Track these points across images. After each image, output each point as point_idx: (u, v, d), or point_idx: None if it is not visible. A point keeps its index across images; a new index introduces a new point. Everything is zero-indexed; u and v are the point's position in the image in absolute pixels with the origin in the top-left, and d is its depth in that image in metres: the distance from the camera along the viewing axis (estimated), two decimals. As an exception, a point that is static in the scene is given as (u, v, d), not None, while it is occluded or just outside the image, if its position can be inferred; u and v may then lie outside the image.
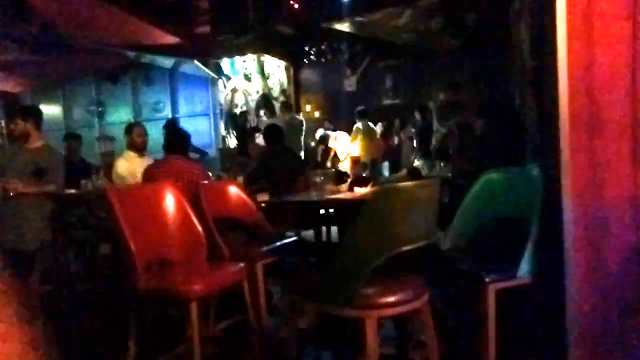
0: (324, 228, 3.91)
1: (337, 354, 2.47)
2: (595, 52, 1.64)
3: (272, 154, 4.19)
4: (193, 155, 4.34)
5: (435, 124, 6.17)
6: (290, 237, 3.22)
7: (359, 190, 2.94)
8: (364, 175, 3.71)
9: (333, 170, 5.25)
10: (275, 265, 2.68)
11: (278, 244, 2.86)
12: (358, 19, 7.69)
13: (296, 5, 7.48)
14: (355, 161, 4.31)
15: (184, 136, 3.37)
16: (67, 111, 11.42)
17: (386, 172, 4.17)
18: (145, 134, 4.23)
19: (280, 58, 8.93)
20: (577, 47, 1.65)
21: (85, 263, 4.11)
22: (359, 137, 7.10)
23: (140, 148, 4.17)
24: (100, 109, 11.12)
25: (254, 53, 8.34)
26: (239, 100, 8.74)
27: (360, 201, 2.34)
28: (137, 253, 2.00)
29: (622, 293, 1.65)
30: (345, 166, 6.23)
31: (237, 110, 8.52)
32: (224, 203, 2.92)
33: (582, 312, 1.69)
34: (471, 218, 2.36)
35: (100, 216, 3.66)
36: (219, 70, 8.73)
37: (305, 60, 9.22)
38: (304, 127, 7.67)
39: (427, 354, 1.83)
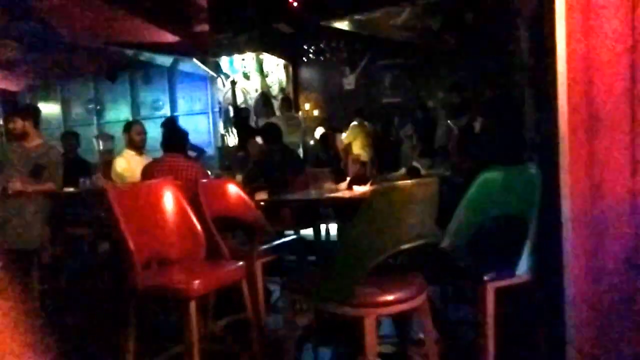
0: (323, 227, 3.92)
1: (336, 353, 2.47)
2: (594, 52, 1.64)
3: (270, 152, 4.19)
4: (191, 153, 4.34)
5: (444, 123, 6.14)
6: (289, 235, 3.22)
7: (358, 189, 2.94)
8: (363, 173, 3.71)
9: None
10: (274, 263, 2.68)
11: (277, 242, 2.86)
12: (357, 17, 7.69)
13: (295, 4, 7.47)
14: (354, 160, 4.31)
15: (182, 134, 3.37)
16: (65, 109, 11.40)
17: None
18: (143, 132, 4.23)
19: (279, 56, 8.92)
20: (576, 47, 1.65)
21: (83, 261, 4.11)
22: (355, 135, 7.06)
23: (139, 146, 4.17)
24: (98, 107, 11.11)
25: (252, 51, 8.32)
26: (239, 96, 8.73)
27: (360, 200, 2.33)
28: (136, 251, 1.99)
29: (620, 291, 1.66)
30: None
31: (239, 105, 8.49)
32: (223, 201, 2.92)
33: (581, 310, 1.69)
34: (470, 217, 2.36)
35: (99, 214, 3.66)
36: (217, 69, 8.72)
37: (304, 58, 9.21)
38: (303, 126, 7.66)
39: (426, 352, 1.83)
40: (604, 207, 1.65)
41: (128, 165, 4.06)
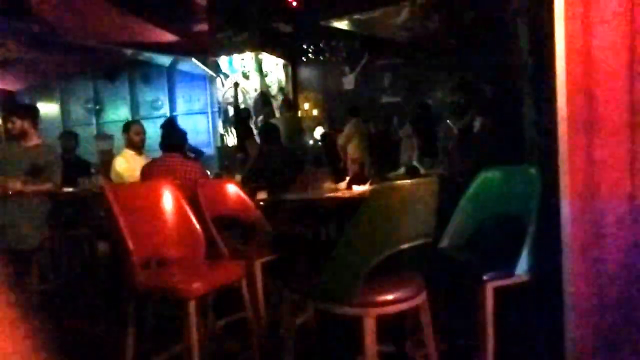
0: (322, 226, 3.91)
1: (335, 352, 2.47)
2: (593, 52, 1.64)
3: (269, 153, 4.19)
4: (189, 154, 4.34)
5: (445, 123, 6.13)
6: (289, 235, 3.21)
7: (358, 189, 2.94)
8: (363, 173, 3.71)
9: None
10: (274, 263, 2.68)
11: (276, 242, 2.86)
12: (356, 16, 7.68)
13: (294, 3, 7.47)
14: (354, 160, 4.31)
15: (181, 134, 3.37)
16: (64, 109, 11.40)
17: None
18: (143, 132, 4.23)
19: (279, 56, 8.92)
20: (575, 47, 1.66)
21: (83, 262, 4.11)
22: (350, 135, 6.97)
23: (138, 146, 4.17)
24: (97, 107, 11.11)
25: (252, 51, 8.32)
26: (238, 96, 8.73)
27: (359, 199, 2.34)
28: (135, 251, 1.99)
29: (619, 290, 1.66)
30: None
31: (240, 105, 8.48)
32: (222, 201, 2.92)
33: (580, 309, 1.69)
34: (469, 216, 2.36)
35: (98, 214, 3.65)
36: (217, 68, 8.71)
37: (303, 58, 9.21)
38: (303, 127, 7.64)
39: (425, 352, 1.83)
40: (603, 207, 1.65)
41: (127, 165, 4.06)
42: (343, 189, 3.05)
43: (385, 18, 7.49)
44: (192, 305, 1.90)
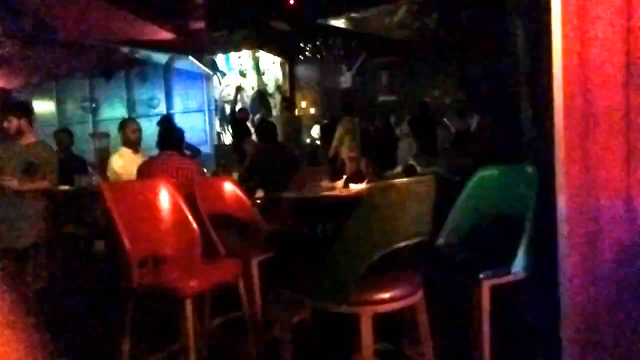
0: (319, 225, 3.91)
1: (332, 350, 2.47)
2: (590, 51, 1.65)
3: (265, 151, 4.18)
4: (186, 152, 4.33)
5: (444, 122, 6.14)
6: (286, 233, 3.21)
7: (355, 187, 2.94)
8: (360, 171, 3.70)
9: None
10: (271, 261, 2.68)
11: (273, 240, 2.85)
12: (353, 15, 7.68)
13: (291, 1, 7.46)
14: (351, 158, 4.31)
15: (178, 132, 3.36)
16: (60, 107, 11.35)
17: None
18: (139, 129, 4.21)
19: (276, 54, 8.91)
20: (572, 46, 1.66)
21: (79, 260, 4.09)
22: (344, 134, 6.91)
23: (134, 144, 4.15)
24: (94, 105, 11.06)
25: (249, 49, 8.31)
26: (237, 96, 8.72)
27: (356, 198, 2.34)
28: (131, 249, 1.99)
29: (615, 289, 1.67)
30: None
31: (238, 106, 8.45)
32: (219, 200, 2.92)
33: (576, 308, 1.70)
34: (466, 215, 2.36)
35: (94, 213, 3.64)
36: (213, 66, 8.70)
37: (300, 56, 9.20)
38: (302, 125, 7.62)
39: (421, 350, 1.83)
40: (599, 206, 1.66)
41: (124, 163, 4.05)
42: (340, 188, 3.05)
43: (382, 17, 7.49)
44: (188, 304, 1.90)
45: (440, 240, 2.31)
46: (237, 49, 8.31)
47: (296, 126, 7.25)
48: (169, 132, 3.37)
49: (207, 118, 10.13)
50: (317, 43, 8.97)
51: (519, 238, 1.95)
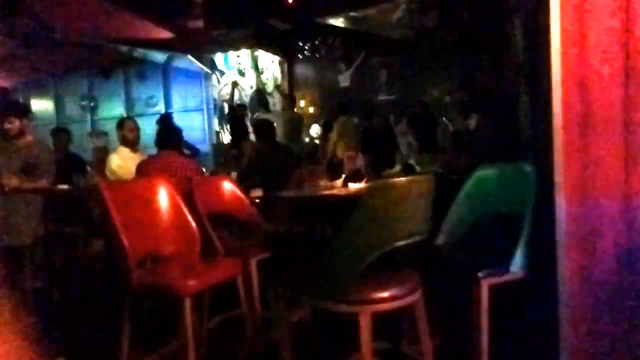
0: (318, 224, 3.91)
1: (331, 349, 2.47)
2: (588, 51, 1.65)
3: (264, 150, 4.17)
4: (185, 152, 4.33)
5: (442, 121, 6.12)
6: (284, 233, 3.21)
7: (354, 186, 2.94)
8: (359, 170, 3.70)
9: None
10: (270, 261, 2.68)
11: (272, 239, 2.85)
12: (352, 14, 7.67)
13: (290, 0, 7.44)
14: (350, 157, 4.30)
15: (177, 132, 3.36)
16: (59, 106, 11.33)
17: None
18: (136, 128, 4.20)
19: (274, 53, 8.89)
20: (570, 45, 1.66)
21: (77, 259, 4.09)
22: (340, 134, 6.89)
23: (132, 143, 4.14)
24: (92, 103, 11.05)
25: (247, 48, 8.30)
26: (235, 94, 8.70)
27: (355, 197, 2.34)
28: (130, 249, 1.98)
29: (613, 288, 1.67)
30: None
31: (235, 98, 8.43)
32: (217, 199, 2.91)
33: (574, 307, 1.70)
34: (464, 214, 2.36)
35: (92, 212, 3.64)
36: (212, 65, 8.69)
37: (299, 55, 9.19)
38: (303, 123, 7.58)
39: (420, 348, 1.84)
40: (597, 205, 1.66)
41: (122, 162, 4.04)
42: (339, 187, 3.05)
43: (382, 15, 7.48)
44: (187, 303, 1.89)
45: (439, 239, 2.32)
46: (236, 47, 8.30)
47: (298, 125, 7.22)
48: (168, 131, 3.37)
49: (205, 117, 10.12)
50: (316, 42, 8.96)
51: (517, 237, 1.96)
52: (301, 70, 9.44)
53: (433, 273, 2.15)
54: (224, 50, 8.38)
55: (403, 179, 1.85)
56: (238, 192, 3.02)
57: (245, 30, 7.96)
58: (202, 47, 8.32)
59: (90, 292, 3.64)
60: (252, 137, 6.24)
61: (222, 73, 8.64)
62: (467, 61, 7.41)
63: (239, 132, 7.41)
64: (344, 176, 3.33)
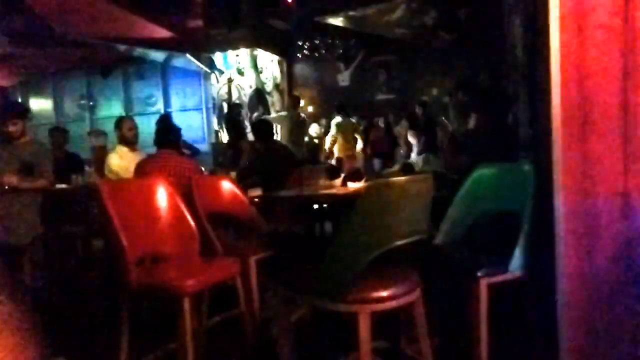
0: (317, 223, 3.91)
1: (330, 348, 2.47)
2: (587, 49, 1.65)
3: (263, 150, 4.17)
4: (185, 151, 4.32)
5: (442, 120, 6.13)
6: (283, 232, 3.21)
7: (353, 185, 2.94)
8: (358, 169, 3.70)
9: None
10: (269, 260, 2.68)
11: (271, 239, 2.85)
12: (352, 13, 7.67)
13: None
14: (349, 156, 4.30)
15: (176, 131, 3.35)
16: (57, 105, 11.32)
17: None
18: (134, 127, 4.19)
19: (274, 52, 8.89)
20: (569, 43, 1.66)
21: (76, 258, 4.08)
22: (337, 134, 6.83)
23: (131, 142, 4.14)
24: (91, 103, 11.04)
25: (247, 47, 8.28)
26: (233, 93, 8.69)
27: (354, 196, 2.33)
28: (129, 248, 1.98)
29: (612, 287, 1.67)
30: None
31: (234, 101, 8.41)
32: (216, 198, 2.91)
33: (573, 306, 1.70)
34: (463, 213, 2.37)
35: (91, 211, 3.64)
36: (211, 65, 8.67)
37: (298, 54, 9.19)
38: (306, 123, 7.55)
39: (419, 348, 1.84)
40: (597, 205, 1.66)
41: (121, 161, 4.04)
42: (338, 186, 3.04)
43: (381, 15, 7.48)
44: (186, 302, 1.89)
45: (438, 239, 2.32)
46: (235, 47, 8.29)
47: (302, 126, 7.18)
48: (167, 130, 3.36)
49: (204, 116, 10.12)
50: (316, 41, 8.96)
51: (516, 236, 1.96)
52: (300, 69, 9.44)
53: (432, 272, 2.15)
54: (223, 49, 8.37)
55: (402, 178, 1.85)
56: (237, 191, 3.02)
57: (244, 29, 7.96)
58: (201, 46, 8.31)
59: (89, 292, 3.63)
60: (250, 136, 6.24)
61: (221, 72, 8.63)
62: (466, 60, 7.42)
63: (234, 132, 7.39)
64: (343, 175, 3.33)
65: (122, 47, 8.35)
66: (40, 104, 11.18)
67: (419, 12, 7.31)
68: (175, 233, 2.33)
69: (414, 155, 6.84)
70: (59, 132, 5.08)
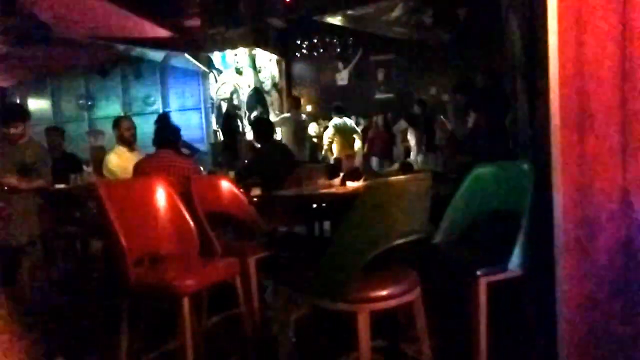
0: (316, 222, 3.91)
1: (329, 348, 2.48)
2: (585, 49, 1.65)
3: (262, 149, 4.17)
4: (184, 151, 4.32)
5: (441, 119, 6.14)
6: (283, 231, 3.21)
7: (351, 185, 2.94)
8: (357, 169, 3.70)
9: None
10: (268, 260, 2.68)
11: (270, 238, 2.85)
12: (350, 12, 7.67)
13: (288, -1, 7.45)
14: (348, 156, 4.31)
15: (175, 130, 3.35)
16: (56, 105, 11.30)
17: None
18: (133, 127, 4.19)
19: (272, 52, 8.88)
20: (567, 43, 1.66)
21: (75, 258, 4.08)
22: (334, 135, 6.83)
23: (129, 142, 4.13)
24: (90, 103, 11.03)
25: (245, 46, 8.27)
26: (233, 92, 8.68)
27: (353, 195, 2.33)
28: (128, 248, 1.98)
29: (611, 285, 1.68)
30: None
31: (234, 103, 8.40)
32: (216, 198, 2.91)
33: (572, 305, 1.71)
34: (462, 212, 2.37)
35: (90, 212, 3.63)
36: (210, 64, 8.66)
37: (297, 53, 9.18)
38: (307, 123, 7.55)
39: (418, 347, 1.84)
40: (596, 203, 1.66)
41: (120, 161, 4.04)
42: (337, 185, 3.05)
43: (379, 14, 7.48)
44: (185, 302, 1.89)
45: (437, 238, 2.32)
46: (234, 46, 8.28)
47: (303, 125, 7.16)
48: (166, 130, 3.35)
49: (203, 116, 10.12)
50: (314, 40, 8.95)
51: (515, 235, 1.96)
52: (299, 68, 9.44)
53: (431, 271, 2.15)
54: (222, 48, 8.36)
55: (401, 177, 1.85)
56: (236, 191, 3.02)
57: (243, 28, 7.95)
58: (200, 45, 8.30)
59: (89, 292, 3.63)
60: (249, 136, 6.24)
61: (219, 72, 8.62)
62: (464, 59, 7.43)
63: (231, 133, 7.41)
64: (342, 175, 3.34)
65: (120, 47, 8.35)
66: (38, 104, 11.16)
67: (417, 11, 7.31)
68: (175, 233, 2.33)
69: (412, 155, 6.85)
70: (55, 132, 5.04)
